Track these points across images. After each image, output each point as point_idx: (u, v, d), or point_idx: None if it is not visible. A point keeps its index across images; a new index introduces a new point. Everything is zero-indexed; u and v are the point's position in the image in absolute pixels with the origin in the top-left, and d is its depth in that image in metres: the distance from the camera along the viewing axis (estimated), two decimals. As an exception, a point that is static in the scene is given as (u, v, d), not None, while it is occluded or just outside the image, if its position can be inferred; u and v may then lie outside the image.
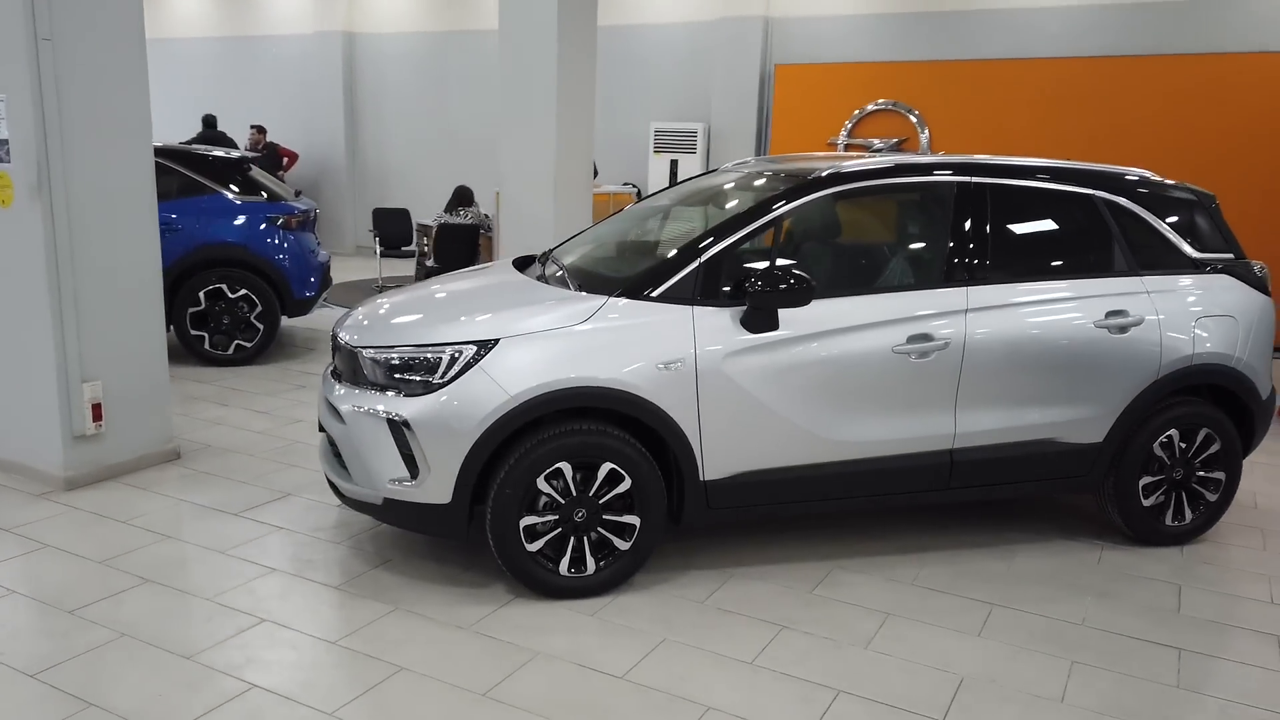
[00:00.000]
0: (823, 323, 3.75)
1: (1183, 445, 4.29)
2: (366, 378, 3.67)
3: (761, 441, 3.76)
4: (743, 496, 3.80)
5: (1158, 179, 4.44)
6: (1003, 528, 4.50)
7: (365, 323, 3.94)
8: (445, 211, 10.16)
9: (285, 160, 13.61)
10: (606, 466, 3.59)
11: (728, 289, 3.72)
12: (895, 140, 10.59)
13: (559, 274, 4.11)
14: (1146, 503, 4.30)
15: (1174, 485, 4.34)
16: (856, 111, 10.76)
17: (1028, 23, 10.08)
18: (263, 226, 7.35)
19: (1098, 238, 4.25)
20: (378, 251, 11.23)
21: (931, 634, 3.53)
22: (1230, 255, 4.42)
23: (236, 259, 7.21)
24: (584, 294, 3.74)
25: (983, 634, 3.54)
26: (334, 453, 3.88)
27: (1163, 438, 4.25)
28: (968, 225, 4.03)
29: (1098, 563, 4.20)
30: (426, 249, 11.27)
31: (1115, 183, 4.31)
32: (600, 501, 3.62)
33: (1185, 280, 4.29)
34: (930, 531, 4.42)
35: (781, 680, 3.18)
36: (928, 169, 4.09)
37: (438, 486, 3.50)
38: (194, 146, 8.41)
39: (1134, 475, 4.25)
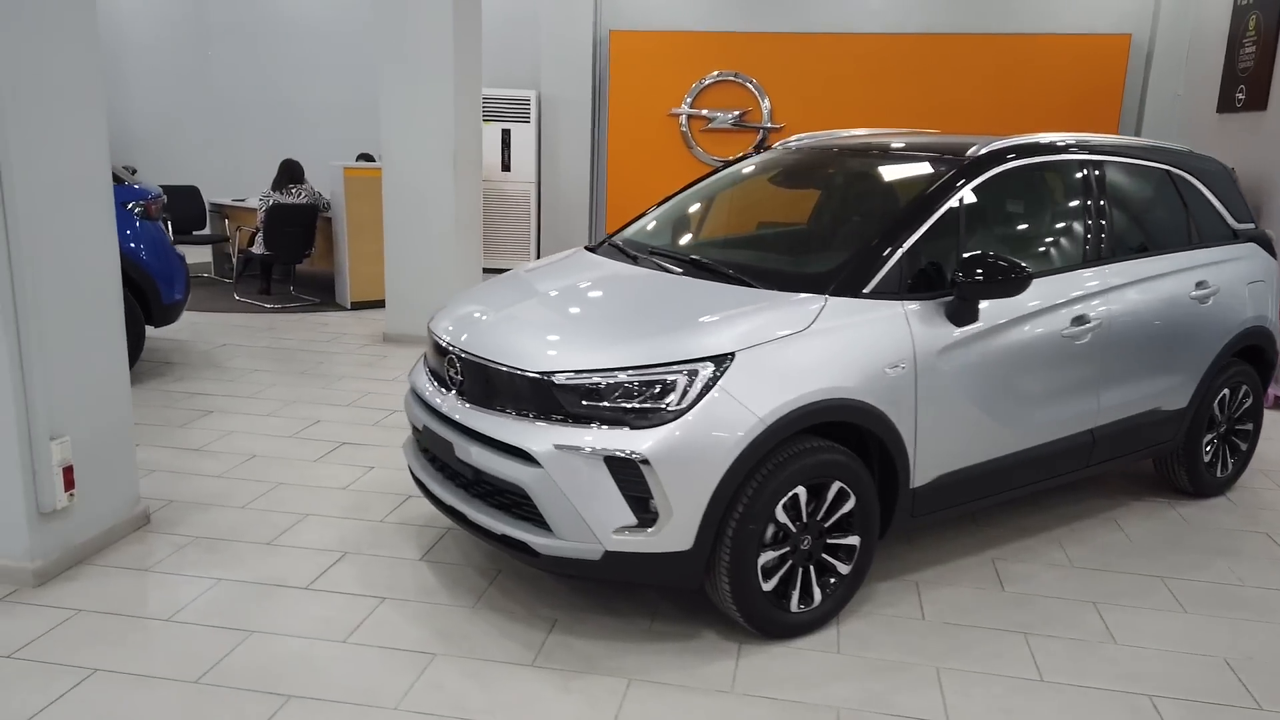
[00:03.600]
0: (1009, 311, 3.59)
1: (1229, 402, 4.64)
2: (563, 407, 3.00)
3: (959, 440, 3.55)
4: (940, 501, 3.58)
5: (1202, 153, 4.70)
6: (1078, 498, 4.62)
7: (535, 339, 3.21)
8: (273, 190, 8.80)
9: None
10: (835, 486, 3.21)
11: (918, 280, 3.44)
12: (739, 111, 10.62)
13: (709, 268, 3.59)
14: (1206, 459, 4.61)
15: (1221, 440, 4.68)
16: (695, 83, 10.67)
17: (853, -3, 10.45)
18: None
19: (1178, 212, 4.44)
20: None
21: (1149, 618, 3.51)
22: (1253, 225, 4.80)
23: (87, 258, 5.71)
24: (792, 294, 3.29)
25: (1188, 610, 3.59)
26: (499, 504, 3.16)
27: (1220, 397, 4.56)
28: (1098, 203, 4.04)
29: (1185, 521, 4.44)
30: (237, 233, 9.78)
31: (1180, 158, 4.51)
32: (825, 525, 3.25)
33: (1234, 249, 4.60)
34: (1024, 511, 4.43)
35: (1088, 695, 3.01)
36: (1064, 148, 4.03)
37: (679, 531, 2.94)
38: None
39: (1200, 435, 4.52)
